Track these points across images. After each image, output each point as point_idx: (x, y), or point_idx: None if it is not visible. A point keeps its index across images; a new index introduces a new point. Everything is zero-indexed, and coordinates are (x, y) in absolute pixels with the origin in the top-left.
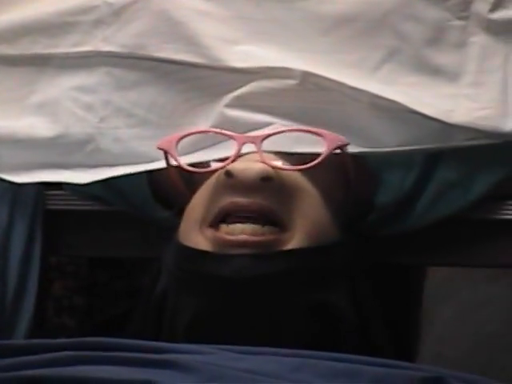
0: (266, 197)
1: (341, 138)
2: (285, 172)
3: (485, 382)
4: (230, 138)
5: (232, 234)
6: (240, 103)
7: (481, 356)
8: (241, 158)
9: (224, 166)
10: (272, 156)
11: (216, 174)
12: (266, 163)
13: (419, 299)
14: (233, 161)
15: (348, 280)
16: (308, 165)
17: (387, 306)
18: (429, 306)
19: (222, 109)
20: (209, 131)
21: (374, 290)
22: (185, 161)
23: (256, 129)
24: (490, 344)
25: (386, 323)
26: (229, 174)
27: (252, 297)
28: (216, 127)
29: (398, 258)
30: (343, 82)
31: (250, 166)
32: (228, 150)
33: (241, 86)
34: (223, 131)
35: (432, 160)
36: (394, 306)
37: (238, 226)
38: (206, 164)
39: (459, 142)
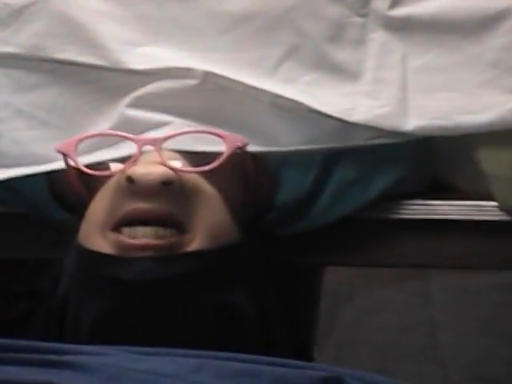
0: (167, 201)
1: (240, 139)
2: (185, 174)
3: (385, 381)
4: (130, 140)
5: (134, 238)
6: (140, 103)
7: (377, 362)
8: (141, 159)
9: (124, 170)
10: (172, 154)
11: (116, 178)
12: (166, 166)
13: (316, 300)
14: (132, 164)
15: (250, 280)
16: (208, 167)
17: (287, 306)
18: (328, 309)
19: (122, 109)
20: (108, 134)
21: (275, 290)
22: (84, 161)
23: (156, 128)
24: (387, 350)
25: (286, 323)
26: (130, 179)
27: (155, 299)
28: (116, 128)
29: (296, 257)
30: (243, 81)
31: (151, 170)
32: (127, 149)
33: (142, 87)
34: (122, 134)
35: (331, 159)
36: (293, 307)
37: (140, 229)
38: (105, 166)
39: (359, 141)
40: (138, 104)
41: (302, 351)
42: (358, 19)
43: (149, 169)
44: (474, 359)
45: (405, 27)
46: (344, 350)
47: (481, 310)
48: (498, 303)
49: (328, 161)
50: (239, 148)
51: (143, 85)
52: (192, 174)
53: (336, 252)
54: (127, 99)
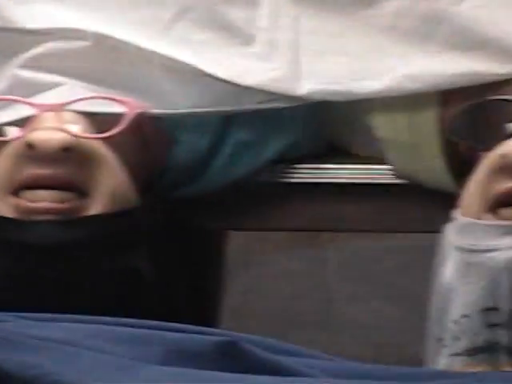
0: (67, 166)
1: (140, 105)
2: (84, 139)
3: (280, 345)
4: (30, 105)
5: (34, 201)
6: (33, 64)
7: (272, 329)
8: (40, 123)
9: (23, 135)
10: (71, 118)
11: (15, 143)
12: (66, 132)
13: (219, 266)
14: (31, 129)
15: (149, 244)
16: (108, 133)
17: (188, 269)
18: (226, 277)
19: (14, 70)
20: (7, 99)
21: (176, 253)
22: None
23: (49, 89)
24: (282, 317)
25: (188, 288)
26: (30, 145)
27: (55, 263)
28: (9, 90)
29: (196, 220)
30: (135, 43)
31: (51, 136)
32: (23, 111)
33: (34, 48)
34: (22, 99)
35: (227, 121)
36: (195, 270)
37: (40, 193)
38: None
39: (253, 104)
40: (30, 65)
41: (205, 317)
42: None
43: (49, 134)
44: (366, 325)
45: None
46: (239, 318)
47: (376, 275)
48: (390, 268)
49: (223, 123)
50: (139, 114)
51: (35, 45)
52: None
53: (232, 216)
54: (19, 60)
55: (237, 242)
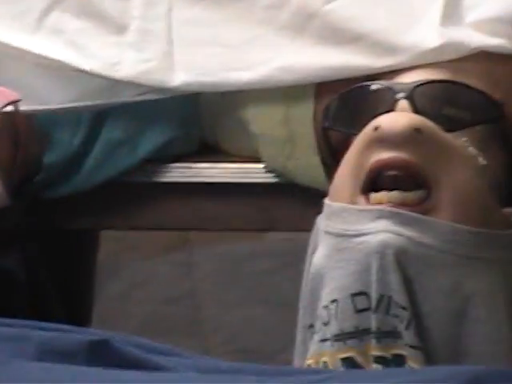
0: None
1: (13, 95)
2: None
3: (150, 344)
4: None
5: None
6: None
7: (141, 335)
8: None
9: None
10: None
11: None
12: None
13: (91, 266)
14: None
15: (19, 244)
16: None
17: (60, 271)
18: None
19: None
20: None
21: (46, 255)
22: None
23: None
24: (151, 323)
25: (59, 289)
26: None
27: None
28: None
29: (64, 222)
30: (5, 40)
31: None
32: None
33: None
34: None
35: (100, 118)
36: (67, 272)
37: None
38: None
39: (127, 97)
40: None
41: (77, 318)
42: None
43: None
44: (236, 330)
45: None
46: (109, 323)
47: (245, 279)
48: (260, 271)
49: (96, 120)
50: (11, 103)
51: None
52: None
53: (104, 216)
54: None
55: (107, 246)
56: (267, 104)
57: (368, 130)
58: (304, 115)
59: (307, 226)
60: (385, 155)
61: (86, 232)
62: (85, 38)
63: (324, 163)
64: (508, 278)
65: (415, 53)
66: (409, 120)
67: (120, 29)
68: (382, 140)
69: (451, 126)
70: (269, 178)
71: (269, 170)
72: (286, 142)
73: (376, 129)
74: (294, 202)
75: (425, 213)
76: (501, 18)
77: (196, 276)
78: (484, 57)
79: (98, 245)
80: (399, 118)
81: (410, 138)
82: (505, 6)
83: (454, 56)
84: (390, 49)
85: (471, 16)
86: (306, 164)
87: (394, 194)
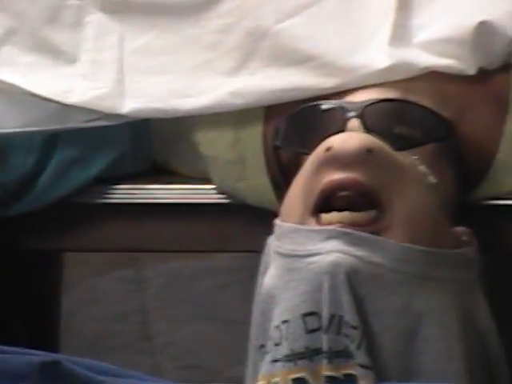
0: None
1: None
2: None
3: (100, 365)
4: None
5: None
6: None
7: (91, 352)
8: None
9: None
10: None
11: None
12: None
13: (41, 285)
14: None
15: None
16: None
17: (6, 290)
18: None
19: None
20: None
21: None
22: None
23: None
24: (100, 340)
25: (16, 309)
26: None
27: None
28: None
29: (14, 242)
30: None
31: None
32: None
33: None
34: None
35: (53, 138)
36: (14, 291)
37: None
38: None
39: (78, 123)
40: None
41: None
42: (74, 1)
43: None
44: (186, 347)
45: (122, 9)
46: (59, 342)
47: (194, 296)
48: (209, 288)
49: (50, 140)
50: None
51: None
52: None
53: (54, 237)
54: None
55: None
56: (217, 126)
57: (320, 150)
58: (253, 137)
59: (258, 246)
60: (337, 176)
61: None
62: (37, 71)
63: (274, 184)
64: (458, 297)
65: (365, 73)
66: (360, 140)
67: (72, 61)
68: (334, 161)
69: (402, 144)
70: (220, 199)
71: (219, 191)
72: (235, 164)
73: (328, 149)
74: (246, 221)
75: (377, 233)
76: (449, 39)
77: (145, 293)
78: (434, 76)
79: (47, 265)
80: (350, 139)
81: (362, 159)
82: (453, 27)
83: (403, 76)
84: (340, 69)
85: (420, 36)
86: (255, 185)
87: (345, 215)
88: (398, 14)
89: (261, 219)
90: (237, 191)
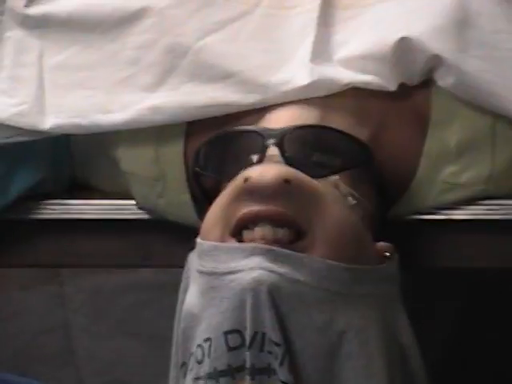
0: None
1: None
2: None
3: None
4: None
5: None
6: None
7: (14, 366)
8: None
9: None
10: None
11: None
12: None
13: None
14: None
15: None
16: None
17: None
18: None
19: None
20: None
21: None
22: None
23: None
24: (24, 354)
25: None
26: None
27: None
28: None
29: None
30: None
31: None
32: None
33: None
34: None
35: None
36: None
37: None
38: None
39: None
40: None
41: None
42: None
43: None
44: (108, 362)
45: (42, 25)
46: None
47: (116, 311)
48: (132, 303)
49: None
50: None
51: None
52: None
53: None
54: None
55: None
56: (138, 143)
57: (238, 181)
58: (174, 154)
59: (180, 262)
60: (255, 208)
61: None
62: None
63: (195, 200)
64: (380, 312)
65: (286, 90)
66: (278, 171)
67: None
68: (252, 192)
69: (321, 172)
70: (141, 215)
71: (140, 207)
72: (156, 181)
73: (246, 180)
74: (167, 237)
75: (299, 251)
76: (370, 55)
77: (68, 307)
78: (354, 92)
79: None
80: (268, 170)
81: (280, 190)
82: (374, 43)
83: (324, 93)
84: (261, 86)
85: (341, 53)
86: (176, 202)
87: (268, 230)
88: (319, 30)
89: (182, 235)
90: (158, 208)
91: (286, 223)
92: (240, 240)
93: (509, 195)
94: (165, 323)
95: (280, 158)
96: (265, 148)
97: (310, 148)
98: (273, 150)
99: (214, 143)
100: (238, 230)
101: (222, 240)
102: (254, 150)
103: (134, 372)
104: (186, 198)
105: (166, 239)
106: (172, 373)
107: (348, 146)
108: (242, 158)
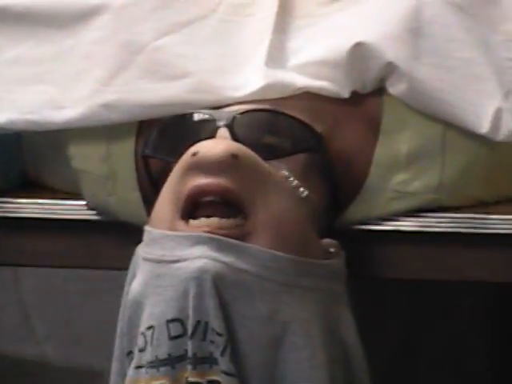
0: None
1: None
2: None
3: None
4: None
5: None
6: None
7: None
8: None
9: None
10: None
11: None
12: None
13: None
14: None
15: None
16: None
17: None
18: None
19: None
20: None
21: None
22: None
23: None
24: None
25: None
26: None
27: None
28: None
29: None
30: None
31: None
32: None
33: None
34: None
35: None
36: None
37: None
38: None
39: None
40: None
41: None
42: None
43: None
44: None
45: None
46: None
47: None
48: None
49: None
50: None
51: None
52: None
53: None
54: None
55: None
56: (89, 140)
57: (186, 156)
58: (125, 152)
59: (128, 264)
60: (202, 181)
61: None
62: None
63: (145, 199)
64: (324, 307)
65: (240, 92)
66: (226, 146)
67: None
68: (200, 166)
69: (271, 154)
70: (90, 215)
71: (91, 207)
72: (107, 179)
73: (194, 155)
74: (115, 239)
75: (241, 238)
76: (324, 61)
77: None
78: (308, 95)
79: None
80: (217, 145)
81: (227, 164)
82: (328, 50)
83: (277, 95)
84: (214, 88)
85: (295, 59)
86: (126, 200)
87: (212, 220)
88: (275, 37)
89: (131, 237)
90: (108, 206)
91: (230, 199)
92: (187, 227)
93: (461, 206)
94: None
95: (230, 139)
96: (215, 130)
97: (260, 131)
98: (223, 132)
99: (165, 127)
100: (187, 210)
101: (172, 226)
102: (204, 132)
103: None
104: (135, 196)
105: (116, 241)
106: (114, 366)
107: (299, 130)
108: (192, 141)
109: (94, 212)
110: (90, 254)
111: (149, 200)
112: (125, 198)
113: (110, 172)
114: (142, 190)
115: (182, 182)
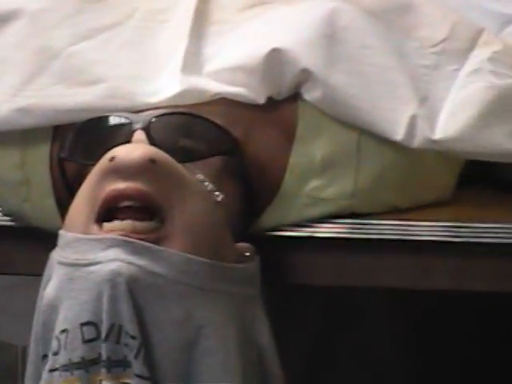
0: None
1: None
2: None
3: None
4: None
5: None
6: None
7: None
8: None
9: None
10: None
11: None
12: None
13: None
14: None
15: None
16: None
17: None
18: None
19: None
20: None
21: None
22: None
23: None
24: None
25: None
26: None
27: None
28: None
29: None
30: None
31: None
32: None
33: None
34: None
35: None
36: None
37: None
38: None
39: None
40: None
41: None
42: None
43: None
44: None
45: None
46: None
47: None
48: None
49: None
50: None
51: None
52: None
53: None
54: None
55: None
56: (3, 146)
57: (103, 160)
58: (40, 157)
59: (42, 270)
60: (119, 185)
61: None
62: None
63: (59, 206)
64: (238, 311)
65: (155, 98)
66: (143, 151)
67: None
68: (117, 170)
69: (186, 157)
70: (4, 221)
71: (4, 213)
72: (21, 185)
73: (111, 159)
74: (28, 245)
75: (157, 242)
76: (239, 67)
77: None
78: (223, 101)
79: None
80: (134, 149)
81: (145, 169)
82: (244, 56)
83: (192, 101)
84: (129, 94)
85: (211, 65)
86: (41, 206)
87: (127, 223)
88: (190, 42)
89: (45, 243)
90: (22, 212)
91: (147, 203)
92: (102, 231)
93: (374, 213)
94: None
95: (146, 143)
96: (132, 132)
97: (175, 134)
98: (140, 135)
99: (81, 130)
100: (102, 213)
101: (86, 230)
102: (120, 135)
103: None
104: (50, 202)
105: (29, 247)
106: (28, 371)
107: (215, 133)
108: (108, 144)
109: (7, 218)
110: (3, 260)
111: (64, 204)
112: (39, 204)
113: (24, 178)
114: (56, 195)
115: (100, 187)
